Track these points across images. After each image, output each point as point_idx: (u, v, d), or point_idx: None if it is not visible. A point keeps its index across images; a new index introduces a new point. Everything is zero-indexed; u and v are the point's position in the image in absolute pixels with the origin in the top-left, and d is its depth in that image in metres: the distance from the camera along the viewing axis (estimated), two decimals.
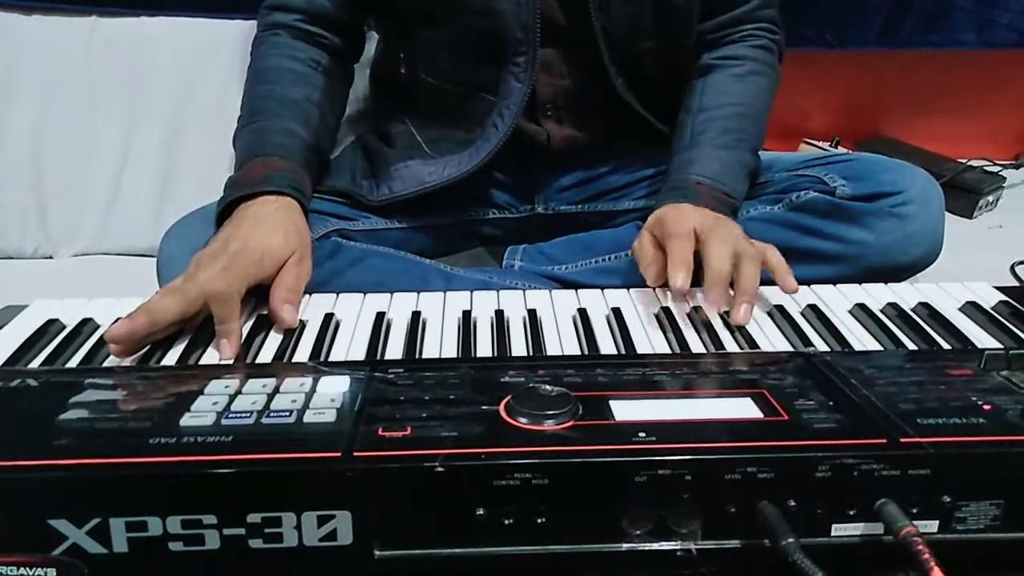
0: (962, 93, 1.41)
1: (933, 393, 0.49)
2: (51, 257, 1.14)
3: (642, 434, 0.44)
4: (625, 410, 0.46)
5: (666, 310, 0.67)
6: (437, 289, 0.73)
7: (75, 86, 1.12)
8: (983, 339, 0.63)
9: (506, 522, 0.42)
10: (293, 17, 0.85)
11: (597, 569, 0.44)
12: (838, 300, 0.70)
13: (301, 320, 0.66)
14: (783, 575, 0.40)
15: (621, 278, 0.80)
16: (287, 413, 0.46)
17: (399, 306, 0.69)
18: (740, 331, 0.64)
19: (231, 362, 0.60)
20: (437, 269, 0.84)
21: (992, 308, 0.68)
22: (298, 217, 0.73)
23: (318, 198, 0.84)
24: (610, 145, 0.93)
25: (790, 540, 0.41)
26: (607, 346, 0.62)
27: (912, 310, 0.68)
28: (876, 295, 0.71)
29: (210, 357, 0.60)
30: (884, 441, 0.44)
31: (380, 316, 0.66)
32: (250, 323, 0.65)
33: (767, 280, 0.69)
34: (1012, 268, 1.08)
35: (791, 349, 0.61)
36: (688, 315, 0.67)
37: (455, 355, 0.60)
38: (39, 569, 0.41)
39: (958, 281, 0.73)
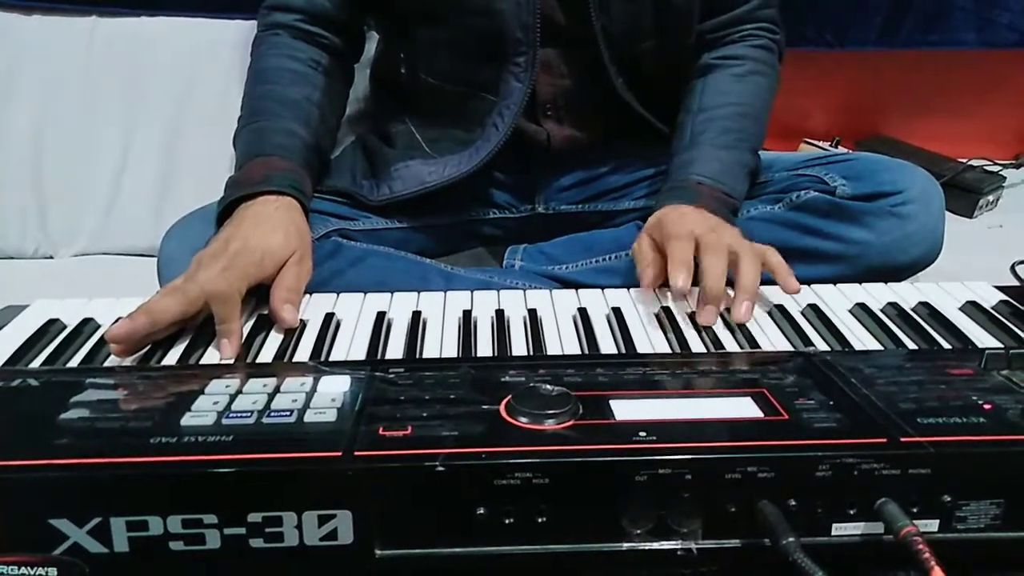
0: (962, 93, 1.42)
1: (933, 392, 0.49)
2: (51, 257, 1.14)
3: (642, 433, 0.44)
4: (625, 409, 0.46)
5: (666, 310, 0.67)
6: (437, 289, 0.73)
7: (75, 86, 1.12)
8: (983, 338, 0.63)
9: (507, 522, 0.42)
10: (293, 17, 0.86)
11: (597, 568, 0.44)
12: (838, 300, 0.70)
13: (301, 320, 0.66)
14: (783, 574, 0.40)
15: (621, 278, 0.80)
16: (288, 413, 0.46)
17: (399, 306, 0.69)
18: (741, 330, 0.64)
19: (232, 362, 0.60)
20: (437, 269, 0.84)
21: (992, 308, 0.68)
22: (298, 217, 0.73)
23: (318, 198, 0.84)
24: (610, 145, 0.93)
25: (790, 539, 0.41)
26: (607, 346, 0.62)
27: (912, 310, 0.68)
28: (876, 295, 0.71)
29: (211, 357, 0.60)
30: (884, 440, 0.44)
31: (381, 316, 0.66)
32: (251, 323, 0.65)
33: (767, 280, 0.69)
34: (1012, 268, 1.08)
35: (791, 348, 0.61)
36: (688, 315, 0.66)
37: (455, 355, 0.60)
38: (40, 569, 0.41)
39: (958, 281, 0.73)
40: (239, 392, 0.48)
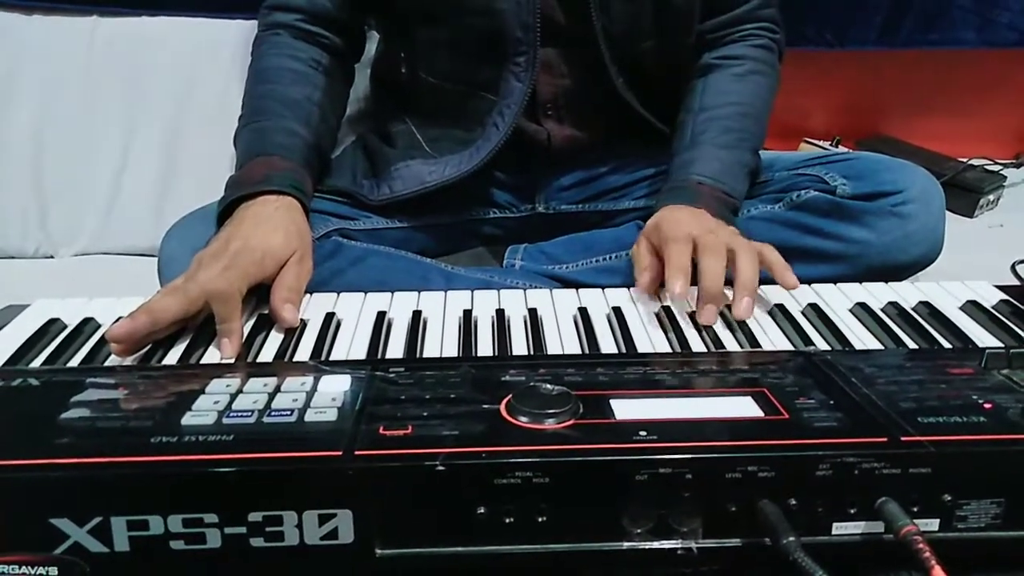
0: (962, 92, 1.42)
1: (934, 392, 0.49)
2: (52, 257, 1.14)
3: (643, 433, 0.44)
4: (626, 409, 0.46)
5: (666, 309, 0.67)
6: (438, 288, 0.73)
7: (76, 86, 1.12)
8: (984, 338, 0.63)
9: (507, 521, 0.42)
10: (294, 17, 0.86)
11: (598, 568, 0.44)
12: (839, 299, 0.70)
13: (302, 319, 0.66)
14: (784, 574, 0.40)
15: (622, 277, 0.80)
16: (288, 412, 0.46)
17: (400, 305, 0.69)
18: (741, 330, 0.64)
19: (232, 361, 0.60)
20: (438, 268, 0.84)
21: (993, 307, 0.68)
22: (299, 216, 0.73)
23: (319, 197, 0.84)
24: (610, 145, 0.93)
25: (791, 539, 0.41)
26: (608, 345, 0.62)
27: (913, 309, 0.68)
28: (877, 294, 0.71)
29: (211, 356, 0.60)
30: (885, 440, 0.44)
31: (381, 315, 0.66)
32: (251, 322, 0.65)
33: (767, 280, 0.69)
34: (1013, 267, 1.08)
35: (792, 348, 0.61)
36: (688, 314, 0.66)
37: (456, 354, 0.60)
38: (41, 568, 0.41)
39: (959, 280, 0.73)
40: (240, 391, 0.48)
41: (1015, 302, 0.69)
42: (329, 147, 0.89)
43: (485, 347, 0.62)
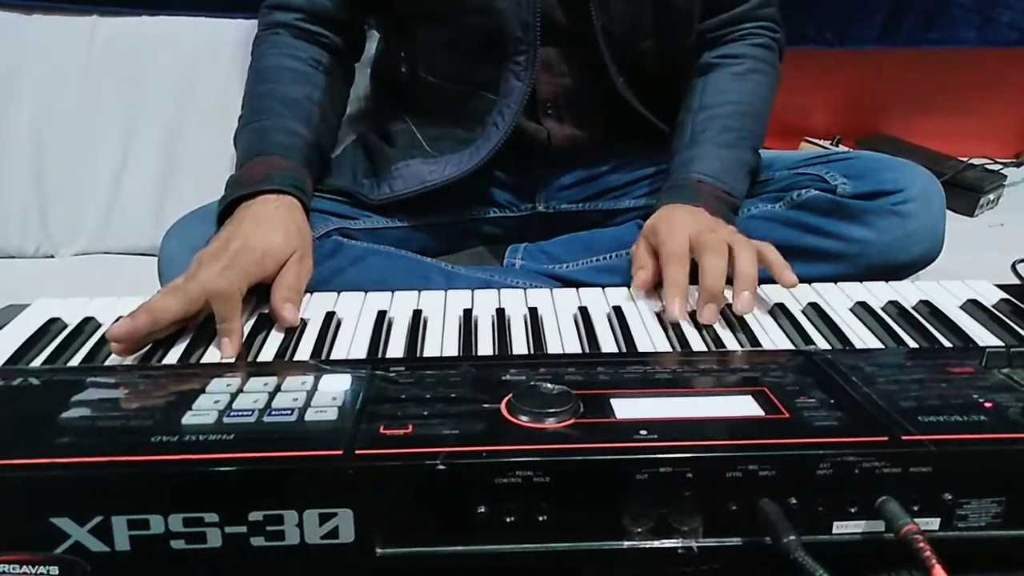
0: (963, 91, 1.41)
1: (934, 391, 0.49)
2: (52, 256, 1.14)
3: (643, 432, 0.44)
4: (626, 408, 0.46)
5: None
6: (438, 288, 0.73)
7: (76, 86, 1.12)
8: (984, 337, 0.63)
9: (507, 520, 0.42)
10: (294, 16, 0.86)
11: (598, 567, 0.44)
12: (839, 298, 0.70)
13: (302, 319, 0.66)
14: (784, 573, 0.40)
15: (622, 277, 0.80)
16: (289, 411, 0.46)
17: (400, 305, 0.69)
18: (741, 329, 0.63)
19: (232, 361, 0.60)
20: (438, 268, 0.84)
21: (993, 306, 0.68)
22: (299, 216, 0.73)
23: (319, 197, 0.84)
24: (611, 144, 0.93)
25: (791, 538, 0.41)
26: (608, 344, 0.62)
27: (913, 308, 0.68)
28: (877, 293, 0.71)
29: (211, 356, 0.60)
30: (885, 439, 0.44)
31: (381, 315, 0.66)
32: (251, 322, 0.65)
33: (767, 279, 0.69)
34: (1013, 266, 1.08)
35: (792, 347, 0.61)
36: (689, 313, 0.66)
37: (456, 353, 0.60)
38: (42, 567, 0.41)
39: (959, 279, 0.73)
40: (240, 391, 0.48)
41: (1015, 301, 0.69)
42: (329, 146, 0.89)
43: (485, 346, 0.62)
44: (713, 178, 0.79)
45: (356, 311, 0.68)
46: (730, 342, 0.62)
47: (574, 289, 0.72)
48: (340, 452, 0.42)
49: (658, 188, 0.85)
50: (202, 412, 0.46)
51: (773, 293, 0.69)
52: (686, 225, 0.69)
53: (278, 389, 0.49)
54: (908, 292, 0.71)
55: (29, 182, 1.12)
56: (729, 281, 0.66)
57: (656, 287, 0.70)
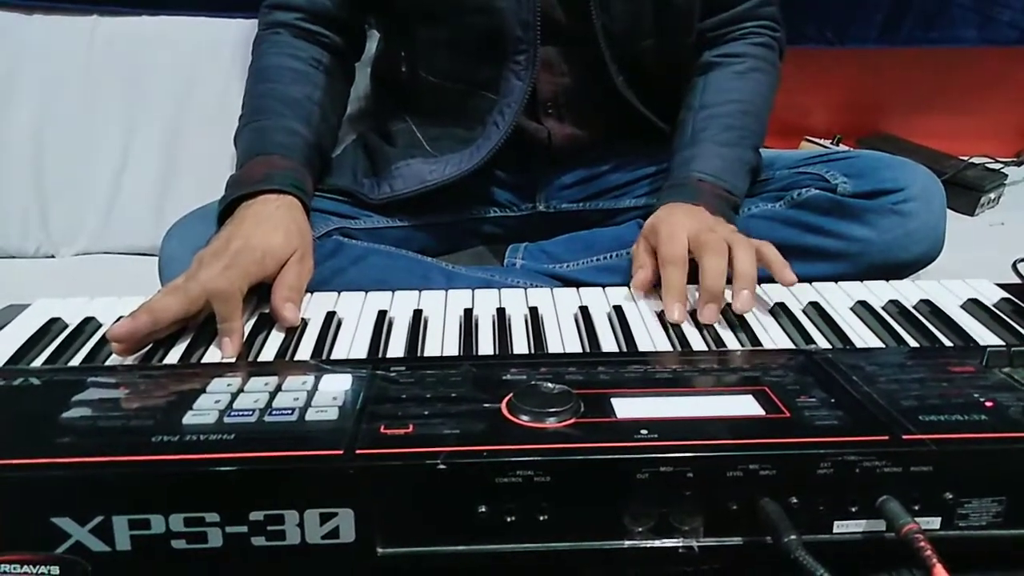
0: (963, 90, 1.41)
1: (935, 390, 0.49)
2: (53, 256, 1.14)
3: (644, 431, 0.44)
4: (627, 407, 0.46)
5: None
6: (439, 287, 0.73)
7: (76, 85, 1.12)
8: (985, 336, 0.63)
9: (508, 519, 0.42)
10: (294, 16, 0.86)
11: (599, 566, 0.44)
12: (840, 297, 0.70)
13: (303, 319, 0.66)
14: (785, 572, 0.40)
15: (622, 276, 0.80)
16: (289, 411, 0.46)
17: (401, 304, 0.69)
18: (742, 328, 0.63)
19: (233, 360, 0.60)
20: (439, 267, 0.84)
21: (994, 305, 0.68)
22: (299, 216, 0.73)
23: (319, 197, 0.84)
24: (611, 143, 0.93)
25: (792, 537, 0.41)
26: (608, 344, 0.62)
27: (914, 307, 0.68)
28: (878, 292, 0.71)
29: (212, 356, 0.60)
30: (886, 438, 0.44)
31: (382, 314, 0.66)
32: (252, 322, 0.65)
33: (767, 278, 0.69)
34: (1014, 265, 1.08)
35: (793, 346, 0.61)
36: (689, 313, 0.66)
37: (457, 353, 0.60)
38: (43, 567, 0.41)
39: (960, 278, 0.73)
40: (241, 391, 0.48)
41: (1016, 300, 0.69)
42: (330, 146, 0.89)
43: (486, 346, 0.62)
44: (714, 177, 0.79)
45: (357, 311, 0.68)
46: (731, 341, 0.62)
47: (575, 289, 0.72)
48: (341, 452, 0.42)
49: (658, 187, 0.85)
50: (203, 412, 0.46)
51: (774, 292, 0.69)
52: (685, 225, 0.69)
53: (279, 389, 0.49)
54: (909, 291, 0.71)
55: (29, 182, 1.12)
56: (729, 280, 0.66)
57: (656, 287, 0.70)
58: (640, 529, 0.44)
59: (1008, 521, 0.44)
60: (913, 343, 0.62)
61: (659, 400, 0.48)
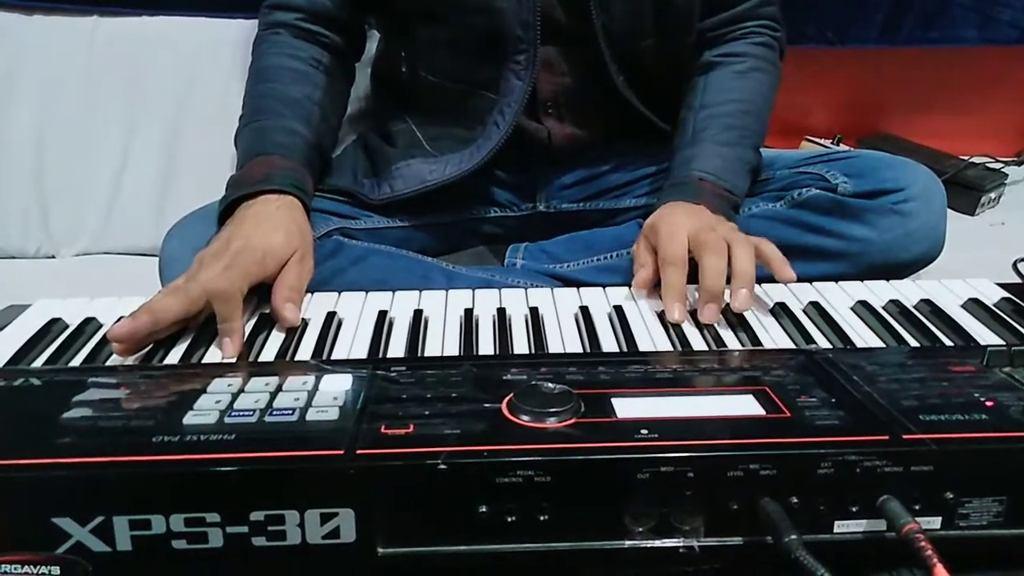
0: (963, 90, 1.41)
1: (935, 390, 0.49)
2: (53, 257, 1.14)
3: (644, 431, 0.44)
4: (627, 407, 0.46)
5: None
6: (439, 287, 0.73)
7: (76, 86, 1.12)
8: (985, 336, 0.63)
9: (509, 519, 0.42)
10: (294, 16, 0.86)
11: (600, 566, 0.44)
12: (840, 297, 0.70)
13: (303, 319, 0.66)
14: (786, 572, 0.40)
15: (623, 276, 0.80)
16: (290, 411, 0.46)
17: (401, 304, 0.69)
18: (743, 328, 0.63)
19: (233, 361, 0.60)
20: (439, 267, 0.84)
21: (994, 305, 0.68)
22: (300, 216, 0.73)
23: (320, 197, 0.84)
24: (611, 143, 0.93)
25: (792, 537, 0.41)
26: (609, 344, 0.62)
27: (914, 307, 0.68)
28: (878, 292, 0.71)
29: (213, 356, 0.60)
30: (886, 438, 0.44)
31: (382, 314, 0.66)
32: (252, 322, 0.65)
33: (768, 277, 0.69)
34: (1015, 265, 1.08)
35: (793, 346, 0.61)
36: (689, 312, 0.66)
37: (457, 353, 0.60)
38: (43, 567, 0.41)
39: (960, 278, 0.73)
40: (241, 391, 0.48)
41: (1017, 300, 0.69)
42: (330, 146, 0.89)
43: (486, 346, 0.62)
44: (714, 176, 0.79)
45: (357, 311, 0.68)
46: (731, 341, 0.62)
47: (575, 289, 0.72)
48: (341, 452, 0.42)
49: (659, 187, 0.85)
50: (203, 412, 0.46)
51: (774, 292, 0.69)
52: (686, 224, 0.69)
53: (279, 389, 0.49)
54: (909, 291, 0.71)
55: (30, 182, 1.12)
56: (729, 279, 0.66)
57: (656, 286, 0.70)
58: (641, 529, 0.44)
59: (1009, 521, 0.44)
60: (914, 343, 0.62)
61: (659, 400, 0.48)
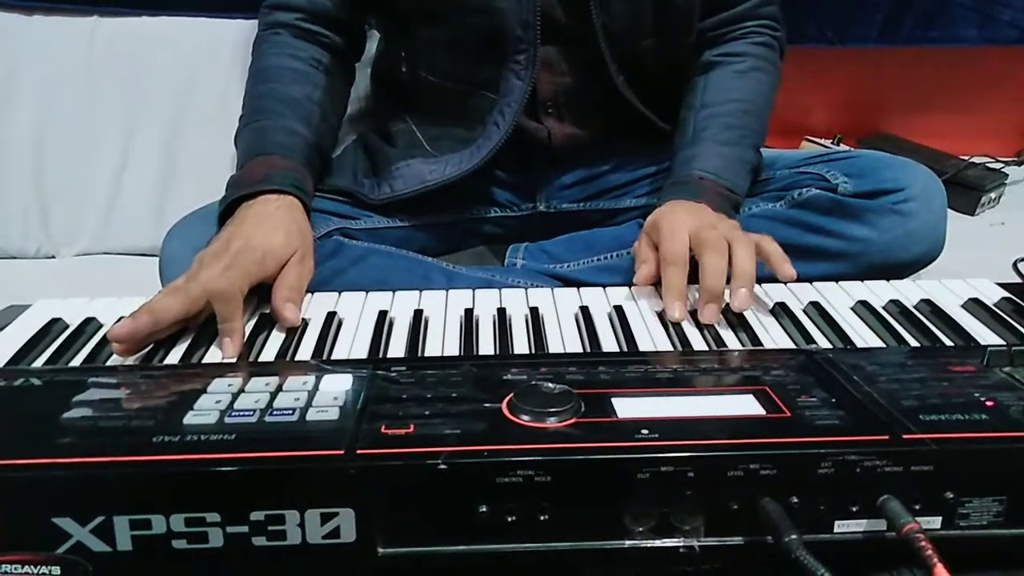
0: (963, 90, 1.41)
1: (936, 390, 0.49)
2: (53, 257, 1.14)
3: (644, 431, 0.44)
4: (627, 407, 0.46)
5: None
6: (439, 287, 0.73)
7: (76, 86, 1.12)
8: (986, 336, 0.63)
9: (509, 519, 0.43)
10: (294, 16, 0.86)
11: (600, 566, 0.44)
12: (840, 297, 0.70)
13: (303, 319, 0.66)
14: (786, 572, 0.40)
15: (623, 276, 0.80)
16: (290, 411, 0.46)
17: (401, 304, 0.69)
18: (743, 328, 0.63)
19: (234, 361, 0.60)
20: (439, 267, 0.84)
21: (994, 304, 0.68)
22: (300, 216, 0.73)
23: (320, 197, 0.84)
24: (611, 143, 0.93)
25: (793, 537, 0.41)
26: (609, 343, 0.62)
27: (914, 307, 0.68)
28: (878, 292, 0.71)
29: (213, 356, 0.60)
30: (887, 438, 0.44)
31: (382, 314, 0.66)
32: (252, 322, 0.65)
33: (768, 277, 0.69)
34: (1015, 264, 1.08)
35: (793, 346, 0.61)
36: (690, 312, 0.66)
37: (457, 353, 0.60)
38: (43, 567, 0.41)
39: (960, 278, 0.73)
40: (241, 391, 0.48)
41: (1017, 300, 0.69)
42: (330, 146, 0.89)
43: (486, 346, 0.62)
44: (715, 175, 0.79)
45: (357, 311, 0.68)
46: (731, 341, 0.62)
47: (575, 288, 0.72)
48: (342, 452, 0.42)
49: (659, 187, 0.85)
50: (204, 412, 0.46)
51: (774, 292, 0.69)
52: (686, 222, 0.69)
53: (279, 389, 0.49)
54: (909, 291, 0.71)
55: (30, 182, 1.12)
56: (730, 278, 0.66)
57: (657, 285, 0.70)
58: (641, 529, 0.44)
59: (1009, 521, 0.44)
60: (914, 343, 0.62)
61: (660, 400, 0.48)
